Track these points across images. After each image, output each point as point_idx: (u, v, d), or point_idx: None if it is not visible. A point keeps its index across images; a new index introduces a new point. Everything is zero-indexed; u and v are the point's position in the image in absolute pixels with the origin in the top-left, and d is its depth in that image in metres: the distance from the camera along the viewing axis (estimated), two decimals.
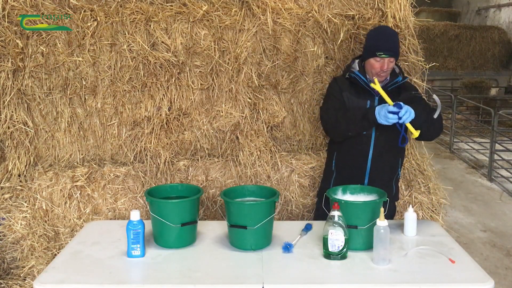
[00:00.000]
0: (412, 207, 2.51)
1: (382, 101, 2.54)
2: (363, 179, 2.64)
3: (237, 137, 3.20)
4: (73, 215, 3.03)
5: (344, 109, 2.60)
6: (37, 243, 3.00)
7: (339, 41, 3.09)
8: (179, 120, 3.18)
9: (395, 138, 2.54)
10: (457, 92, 10.75)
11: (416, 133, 2.45)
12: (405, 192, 3.16)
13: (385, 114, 2.36)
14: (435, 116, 2.54)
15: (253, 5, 3.03)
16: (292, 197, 3.13)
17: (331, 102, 2.65)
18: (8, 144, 3.10)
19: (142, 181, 3.10)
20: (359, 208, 2.22)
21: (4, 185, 3.05)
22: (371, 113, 2.42)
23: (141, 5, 3.01)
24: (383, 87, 2.56)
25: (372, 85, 2.52)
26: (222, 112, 3.18)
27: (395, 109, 2.35)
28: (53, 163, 3.18)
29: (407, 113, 2.35)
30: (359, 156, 2.63)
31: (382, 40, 2.55)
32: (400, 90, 2.62)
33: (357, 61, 2.69)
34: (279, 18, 3.06)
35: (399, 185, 3.12)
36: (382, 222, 2.05)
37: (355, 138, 2.61)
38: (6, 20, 2.96)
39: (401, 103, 2.37)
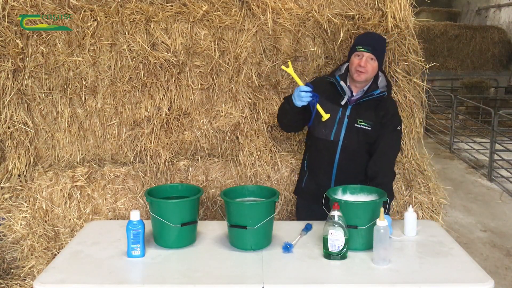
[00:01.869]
0: (412, 207, 2.51)
1: (355, 109, 2.56)
2: (330, 182, 2.64)
3: (237, 137, 3.20)
4: (73, 215, 3.03)
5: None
6: (37, 243, 3.00)
7: (339, 41, 3.09)
8: (179, 120, 3.18)
9: (362, 147, 2.59)
10: (457, 92, 10.75)
11: (325, 116, 2.51)
12: (405, 192, 3.16)
13: (298, 94, 2.44)
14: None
15: (253, 5, 3.03)
16: (292, 197, 3.13)
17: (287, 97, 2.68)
18: (8, 144, 3.10)
19: (142, 181, 3.10)
20: (359, 208, 2.22)
21: (4, 185, 3.05)
22: (290, 96, 2.51)
23: (141, 5, 3.01)
24: (359, 98, 2.56)
25: (283, 67, 2.59)
26: (222, 112, 3.18)
27: (306, 88, 2.43)
28: (53, 163, 3.18)
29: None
30: (326, 161, 2.63)
31: (363, 36, 2.61)
32: (378, 106, 2.57)
33: (345, 65, 2.68)
34: (279, 18, 3.06)
35: (400, 185, 3.12)
36: (382, 222, 2.05)
37: (323, 145, 2.61)
38: (6, 20, 2.96)
39: (311, 88, 2.43)
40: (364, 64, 2.49)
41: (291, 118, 2.62)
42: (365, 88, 2.57)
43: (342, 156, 2.59)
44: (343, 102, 2.58)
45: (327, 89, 2.61)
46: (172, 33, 3.05)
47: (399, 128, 2.63)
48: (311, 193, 2.70)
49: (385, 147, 2.58)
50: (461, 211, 5.46)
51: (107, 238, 2.37)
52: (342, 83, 2.58)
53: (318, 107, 2.50)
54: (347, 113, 2.57)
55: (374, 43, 2.54)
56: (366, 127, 2.55)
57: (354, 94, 2.59)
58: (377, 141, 2.58)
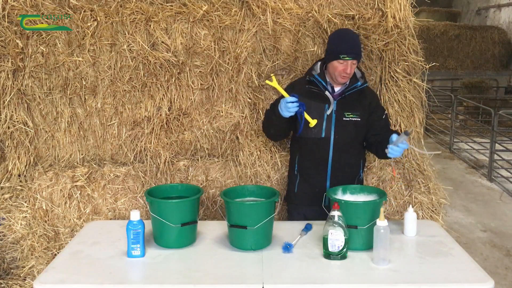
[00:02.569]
0: (412, 207, 2.51)
1: (340, 104, 2.59)
2: (325, 183, 2.64)
3: (237, 137, 3.20)
4: (73, 215, 3.03)
5: (267, 109, 2.72)
6: (37, 243, 3.00)
7: None
8: (179, 120, 3.18)
9: (354, 140, 2.63)
10: (457, 92, 10.75)
11: (313, 122, 2.53)
12: (405, 192, 3.16)
13: (285, 106, 2.45)
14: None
15: (253, 5, 3.03)
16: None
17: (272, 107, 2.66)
18: (8, 144, 3.10)
19: (142, 181, 3.10)
20: (359, 208, 2.23)
21: (4, 185, 3.05)
22: (277, 107, 2.51)
23: (141, 5, 3.01)
24: (342, 92, 2.60)
25: (267, 82, 2.59)
26: (222, 112, 3.18)
27: (293, 99, 2.44)
28: (53, 163, 3.18)
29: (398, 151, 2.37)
30: (319, 160, 2.64)
31: (345, 42, 2.56)
32: (361, 96, 2.64)
33: (319, 63, 2.69)
34: (279, 18, 3.06)
35: (399, 185, 3.12)
36: (382, 222, 2.05)
37: (314, 143, 2.62)
38: (6, 20, 2.96)
39: (296, 98, 2.44)
40: (350, 71, 2.53)
41: (278, 128, 2.66)
42: (347, 82, 2.61)
43: (335, 152, 2.61)
44: (328, 112, 2.59)
45: (307, 90, 2.63)
46: (172, 33, 3.05)
47: (386, 113, 2.74)
48: (305, 196, 2.70)
49: (385, 127, 2.65)
50: (461, 211, 5.46)
51: (107, 238, 2.37)
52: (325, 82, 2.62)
53: (306, 115, 2.52)
54: (334, 108, 2.60)
55: (357, 49, 2.56)
56: (355, 118, 2.60)
57: (335, 89, 2.63)
58: (373, 127, 2.64)
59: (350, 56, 2.50)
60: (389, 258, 2.09)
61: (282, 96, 2.51)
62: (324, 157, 2.62)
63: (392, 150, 2.35)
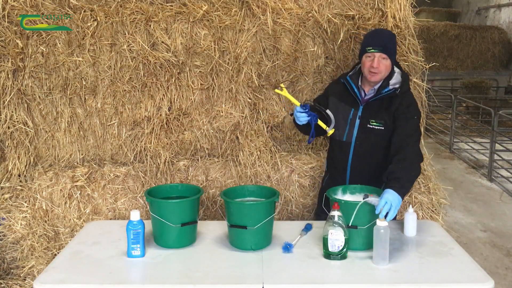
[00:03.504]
0: (412, 207, 2.51)
1: (367, 109, 2.52)
2: (345, 183, 2.60)
3: (237, 137, 3.20)
4: (73, 215, 3.03)
5: None
6: (37, 243, 3.00)
7: (339, 41, 3.09)
8: (179, 120, 3.18)
9: (375, 148, 2.52)
10: (457, 92, 10.74)
11: (330, 132, 2.51)
12: None
13: (295, 115, 2.45)
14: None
15: (253, 5, 3.03)
16: (292, 197, 3.13)
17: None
18: (8, 144, 3.10)
19: (142, 181, 3.10)
20: (359, 208, 2.22)
21: (4, 185, 3.05)
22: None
23: (141, 5, 3.01)
24: (371, 97, 2.52)
25: (276, 91, 2.55)
26: (222, 112, 3.18)
27: (301, 109, 2.43)
28: (53, 163, 3.18)
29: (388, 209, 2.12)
30: (340, 162, 2.63)
31: (373, 36, 2.54)
32: (390, 103, 2.50)
33: (358, 66, 2.63)
34: (279, 18, 3.06)
35: None
36: (382, 222, 2.05)
37: (337, 144, 2.62)
38: (6, 20, 2.96)
39: (307, 108, 2.41)
40: (377, 65, 2.43)
41: (302, 130, 2.67)
42: (376, 87, 2.52)
43: (354, 157, 2.57)
44: (350, 117, 2.54)
45: (340, 90, 2.60)
46: (172, 33, 3.05)
47: (415, 117, 2.51)
48: None
49: (402, 134, 2.44)
50: (461, 211, 5.46)
51: (107, 238, 2.37)
52: (358, 83, 2.56)
53: (320, 123, 2.49)
54: (359, 113, 2.54)
55: (384, 41, 2.48)
56: (379, 127, 2.50)
57: (366, 93, 2.55)
58: (394, 134, 2.47)
59: (376, 48, 2.43)
60: (388, 258, 2.08)
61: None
62: (344, 160, 2.60)
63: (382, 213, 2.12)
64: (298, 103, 2.46)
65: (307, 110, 2.43)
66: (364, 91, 2.56)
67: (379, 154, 2.53)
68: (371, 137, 2.51)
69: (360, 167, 2.57)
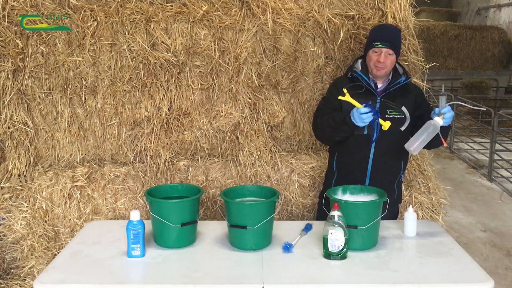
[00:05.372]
0: (412, 207, 2.51)
1: (384, 101, 2.54)
2: (364, 181, 2.60)
3: (237, 137, 3.20)
4: (73, 215, 3.03)
5: (332, 115, 2.56)
6: (37, 243, 3.00)
7: (339, 41, 3.09)
8: (179, 120, 3.18)
9: (397, 140, 2.53)
10: (457, 92, 10.75)
11: (386, 125, 2.46)
12: (405, 192, 3.16)
13: (358, 117, 2.39)
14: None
15: (253, 5, 3.03)
16: (292, 197, 3.13)
17: (322, 108, 2.63)
18: (8, 144, 3.10)
19: (142, 181, 3.10)
20: (359, 208, 2.22)
21: (4, 185, 3.05)
22: (348, 117, 2.44)
23: (141, 5, 3.01)
24: (385, 88, 2.55)
25: (340, 97, 2.46)
26: (222, 112, 3.18)
27: (367, 110, 2.39)
28: (53, 163, 3.18)
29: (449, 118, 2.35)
30: (360, 158, 2.59)
31: (379, 31, 2.56)
32: (405, 92, 2.58)
33: (360, 61, 2.65)
34: (279, 18, 3.06)
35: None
36: (439, 120, 2.26)
37: (356, 140, 2.57)
38: (6, 20, 2.96)
39: (371, 108, 2.39)
40: (384, 60, 2.47)
41: (346, 135, 2.55)
42: (390, 78, 2.57)
43: (377, 149, 2.56)
44: (365, 105, 2.47)
45: (350, 87, 2.54)
46: (172, 33, 3.05)
47: (431, 106, 2.60)
48: None
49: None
50: (461, 211, 5.46)
51: (107, 238, 2.37)
52: (371, 77, 2.56)
53: (381, 121, 2.46)
54: (377, 105, 2.55)
55: (392, 37, 2.51)
56: (398, 115, 2.55)
57: (378, 86, 2.58)
58: (416, 123, 2.53)
59: (383, 43, 2.46)
60: (419, 148, 2.30)
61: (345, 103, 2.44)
62: (366, 154, 2.58)
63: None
64: (360, 105, 2.40)
65: (371, 109, 2.39)
66: (375, 83, 2.58)
67: (399, 147, 2.50)
68: (392, 126, 2.48)
69: (381, 159, 2.57)
